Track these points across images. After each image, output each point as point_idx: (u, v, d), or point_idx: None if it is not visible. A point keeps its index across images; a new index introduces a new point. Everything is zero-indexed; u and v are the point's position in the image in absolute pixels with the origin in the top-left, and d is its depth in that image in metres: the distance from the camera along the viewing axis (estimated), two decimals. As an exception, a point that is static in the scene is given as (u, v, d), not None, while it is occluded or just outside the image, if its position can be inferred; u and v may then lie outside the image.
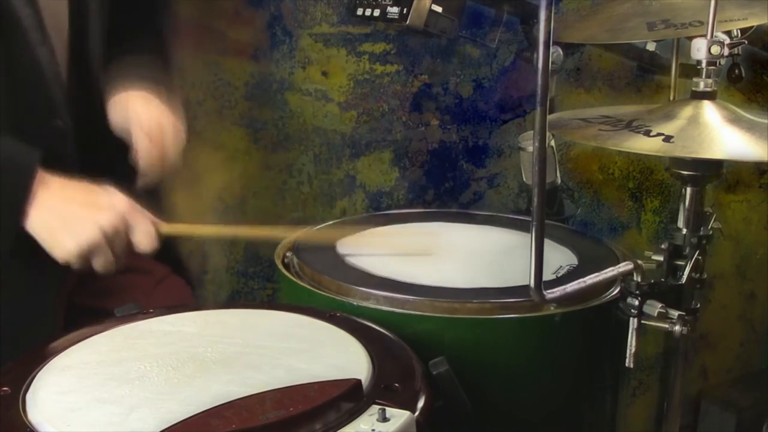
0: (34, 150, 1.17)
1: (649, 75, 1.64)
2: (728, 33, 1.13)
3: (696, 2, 1.16)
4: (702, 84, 1.11)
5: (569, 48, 1.52)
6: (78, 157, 1.26)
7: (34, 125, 1.22)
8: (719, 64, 1.10)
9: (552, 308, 1.16)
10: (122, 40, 1.33)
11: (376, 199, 2.00)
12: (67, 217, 1.17)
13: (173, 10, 1.49)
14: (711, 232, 1.16)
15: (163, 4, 1.44)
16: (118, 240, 1.18)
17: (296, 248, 1.38)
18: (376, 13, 1.44)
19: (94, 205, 1.18)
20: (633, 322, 1.11)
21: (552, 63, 1.47)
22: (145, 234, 1.20)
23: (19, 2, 1.17)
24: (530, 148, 1.51)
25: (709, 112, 1.09)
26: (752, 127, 1.06)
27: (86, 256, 1.17)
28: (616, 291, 1.22)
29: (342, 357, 0.98)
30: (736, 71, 1.37)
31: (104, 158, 1.25)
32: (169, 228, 1.25)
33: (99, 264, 1.19)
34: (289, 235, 1.40)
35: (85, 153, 1.27)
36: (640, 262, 1.11)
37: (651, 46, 1.56)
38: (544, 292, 0.97)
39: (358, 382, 0.89)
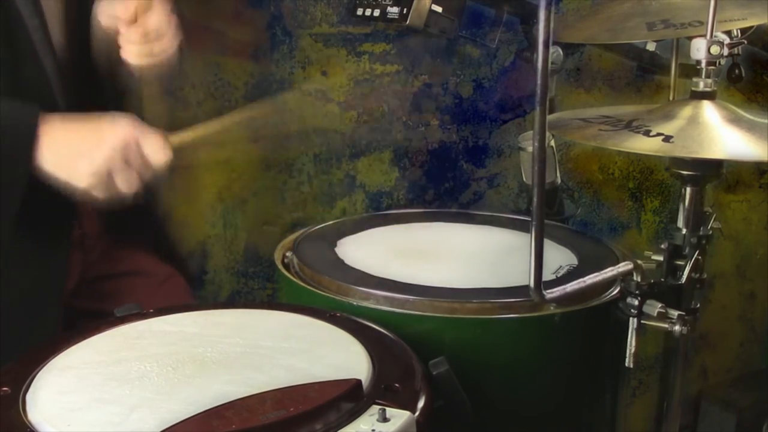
0: (33, 105, 1.17)
1: (649, 75, 1.64)
2: (728, 33, 1.13)
3: (696, 2, 1.16)
4: (702, 84, 1.11)
5: (569, 48, 1.52)
6: None
7: None
8: (719, 64, 1.10)
9: (552, 308, 1.16)
10: None
11: (376, 199, 2.00)
12: (76, 143, 1.17)
13: None
14: (711, 232, 1.16)
15: None
16: (132, 155, 1.18)
17: (296, 248, 1.38)
18: (376, 13, 1.44)
19: (99, 126, 1.18)
20: (633, 322, 1.11)
21: (552, 63, 1.47)
22: (156, 145, 1.19)
23: (27, 13, 1.17)
24: (530, 148, 1.51)
25: (709, 112, 1.09)
26: (752, 127, 1.06)
27: (106, 178, 1.17)
28: (615, 291, 1.22)
29: (342, 357, 0.98)
30: (736, 71, 1.37)
31: None
32: (177, 137, 1.24)
33: (121, 183, 1.18)
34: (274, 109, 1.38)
35: None
36: (639, 262, 1.11)
37: (651, 46, 1.56)
38: (544, 292, 0.97)
39: (359, 382, 0.89)
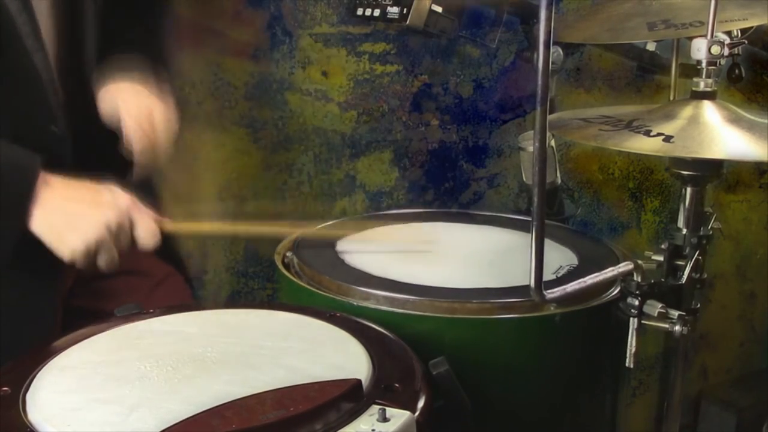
0: (35, 154, 1.18)
1: (649, 75, 1.64)
2: (728, 33, 1.12)
3: (696, 2, 1.16)
4: (702, 84, 1.11)
5: (569, 48, 1.52)
6: (74, 164, 1.27)
7: (31, 132, 1.22)
8: (719, 64, 1.10)
9: (552, 308, 1.16)
10: (113, 36, 1.33)
11: (376, 199, 2.00)
12: (72, 215, 1.17)
13: (169, 6, 1.49)
14: (711, 232, 1.16)
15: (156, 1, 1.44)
16: (123, 237, 1.19)
17: (296, 248, 1.38)
18: (376, 13, 1.44)
19: (98, 202, 1.19)
20: (633, 322, 1.11)
21: (552, 63, 1.46)
22: (147, 230, 1.21)
23: (15, 8, 1.17)
24: (530, 148, 1.51)
25: (709, 112, 1.09)
26: (752, 127, 1.06)
27: (91, 254, 1.18)
28: (616, 291, 1.22)
29: (342, 357, 0.98)
30: (736, 71, 1.36)
31: (100, 164, 1.25)
32: (171, 225, 1.26)
33: (103, 261, 1.19)
34: (291, 232, 1.40)
35: (80, 160, 1.27)
36: (640, 262, 1.11)
37: (651, 46, 1.56)
38: (544, 292, 0.97)
39: (358, 382, 0.89)
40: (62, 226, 1.17)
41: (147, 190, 1.31)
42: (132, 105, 1.27)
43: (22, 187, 1.15)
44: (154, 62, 1.35)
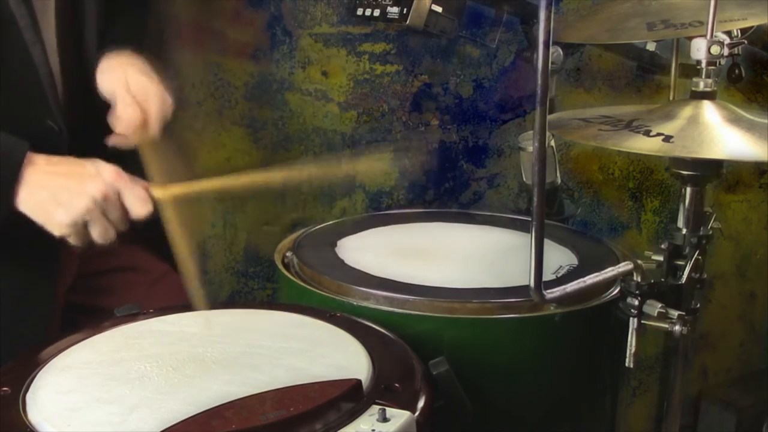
0: (23, 140, 1.17)
1: (649, 75, 1.64)
2: (728, 33, 1.13)
3: (696, 2, 1.16)
4: (702, 84, 1.11)
5: (569, 48, 1.52)
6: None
7: (26, 126, 1.21)
8: (719, 64, 1.10)
9: (552, 308, 1.16)
10: (113, 24, 1.33)
11: (376, 199, 2.00)
12: (56, 190, 1.16)
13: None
14: (711, 232, 1.16)
15: None
16: (111, 207, 1.17)
17: (296, 248, 1.38)
18: (376, 13, 1.44)
19: (82, 175, 1.17)
20: (633, 322, 1.11)
21: (552, 63, 1.47)
22: (137, 197, 1.18)
23: (13, 1, 1.17)
24: (530, 148, 1.51)
25: (709, 112, 1.09)
26: (752, 127, 1.06)
27: (81, 228, 1.16)
28: (616, 291, 1.22)
29: (342, 357, 0.98)
30: (736, 71, 1.36)
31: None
32: (161, 190, 1.24)
33: (96, 233, 1.17)
34: (286, 176, 1.37)
35: (77, 155, 1.27)
36: (640, 262, 1.11)
37: (651, 46, 1.56)
38: (544, 292, 0.97)
39: (358, 382, 0.89)
40: (48, 202, 1.15)
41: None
42: (130, 79, 1.25)
43: (7, 168, 1.14)
44: (154, 43, 1.34)
